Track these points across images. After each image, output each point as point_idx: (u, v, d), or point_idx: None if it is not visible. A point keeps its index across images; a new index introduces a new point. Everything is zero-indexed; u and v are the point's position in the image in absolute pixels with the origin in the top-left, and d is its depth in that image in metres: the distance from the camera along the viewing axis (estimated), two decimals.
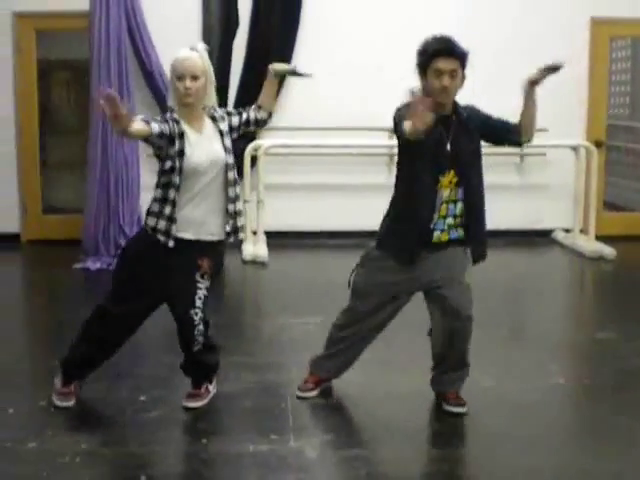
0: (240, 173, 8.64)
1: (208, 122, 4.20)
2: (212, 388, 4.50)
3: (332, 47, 8.87)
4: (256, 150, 8.53)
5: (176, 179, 4.04)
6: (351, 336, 4.46)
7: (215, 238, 4.19)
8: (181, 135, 4.06)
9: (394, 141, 8.25)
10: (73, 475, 3.65)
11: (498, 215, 9.39)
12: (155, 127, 3.95)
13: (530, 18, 9.19)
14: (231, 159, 4.17)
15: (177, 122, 4.08)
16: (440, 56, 3.95)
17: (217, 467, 3.76)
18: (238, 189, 4.22)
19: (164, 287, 4.19)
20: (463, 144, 4.10)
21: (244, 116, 4.36)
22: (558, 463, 3.84)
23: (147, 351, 5.37)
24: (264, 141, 8.64)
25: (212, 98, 4.25)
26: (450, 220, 4.16)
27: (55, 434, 4.05)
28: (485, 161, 9.53)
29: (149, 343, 5.44)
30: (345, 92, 8.75)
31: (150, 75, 8.59)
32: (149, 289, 4.21)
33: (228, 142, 4.18)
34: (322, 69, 9.27)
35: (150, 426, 4.14)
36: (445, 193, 4.11)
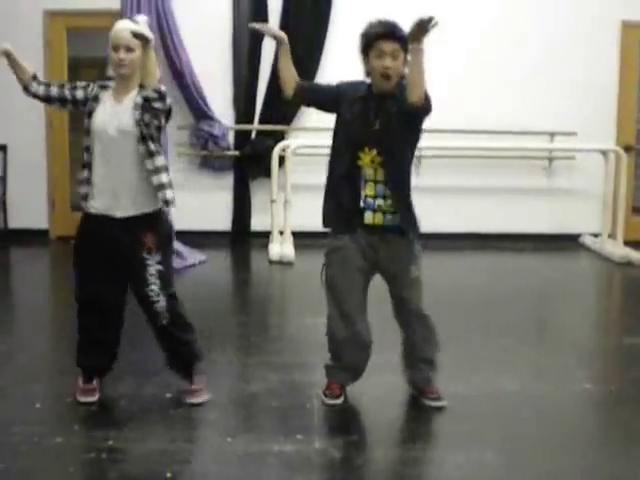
0: (268, 173, 8.71)
1: (134, 94, 4.18)
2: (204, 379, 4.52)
3: None
4: (284, 150, 8.56)
5: (88, 141, 4.24)
6: (345, 340, 4.39)
7: (131, 213, 4.19)
8: (95, 98, 4.25)
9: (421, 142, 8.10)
10: (99, 471, 3.67)
11: (526, 218, 9.45)
12: (53, 91, 4.29)
13: (560, 21, 9.16)
14: (139, 132, 4.12)
15: (103, 87, 4.28)
16: (382, 38, 4.09)
17: (242, 466, 3.76)
18: (159, 161, 4.19)
19: (115, 266, 4.25)
20: (394, 125, 4.13)
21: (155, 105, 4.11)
22: (584, 468, 3.81)
23: None
24: (292, 141, 8.66)
25: (153, 74, 4.06)
26: (380, 201, 4.22)
27: (82, 430, 4.08)
28: (512, 164, 9.58)
29: None
30: None
31: (180, 75, 8.66)
32: (102, 269, 4.25)
33: (138, 114, 4.12)
34: (351, 70, 9.27)
35: (176, 423, 4.15)
36: (368, 172, 4.20)
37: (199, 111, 8.92)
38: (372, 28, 4.15)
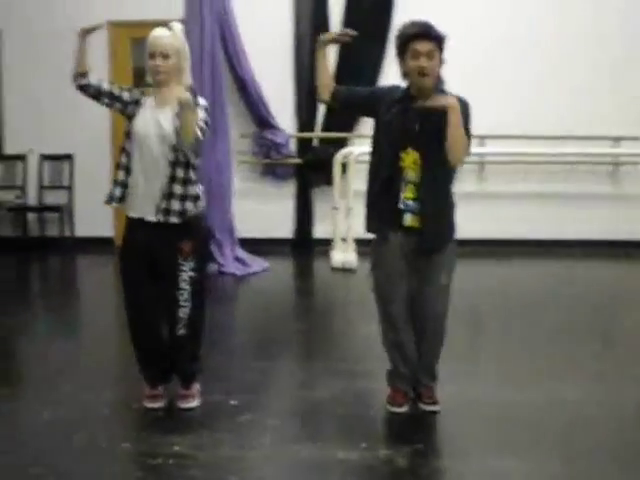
0: (330, 180, 8.72)
1: (174, 103, 4.18)
2: (199, 387, 4.57)
3: None
4: (346, 157, 8.56)
5: (127, 144, 4.31)
6: (395, 345, 4.43)
7: (166, 218, 4.23)
8: (136, 102, 4.30)
9: (479, 149, 8.11)
10: (165, 476, 3.70)
11: (591, 225, 9.33)
12: (104, 85, 4.31)
13: (626, 22, 9.05)
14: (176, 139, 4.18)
15: (143, 93, 4.33)
16: (417, 39, 4.08)
17: (306, 473, 3.76)
18: (190, 173, 4.25)
19: (154, 271, 4.30)
20: (435, 127, 4.10)
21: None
22: None
23: (238, 356, 5.42)
24: (354, 148, 8.65)
25: (187, 77, 4.27)
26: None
27: (148, 436, 4.11)
28: (577, 169, 9.41)
29: (240, 348, 5.49)
30: None
31: (242, 81, 8.74)
32: (143, 275, 4.32)
33: (177, 122, 4.16)
34: None
35: (241, 430, 4.17)
36: (410, 173, 4.18)
37: (262, 119, 8.98)
38: (406, 29, 4.14)
